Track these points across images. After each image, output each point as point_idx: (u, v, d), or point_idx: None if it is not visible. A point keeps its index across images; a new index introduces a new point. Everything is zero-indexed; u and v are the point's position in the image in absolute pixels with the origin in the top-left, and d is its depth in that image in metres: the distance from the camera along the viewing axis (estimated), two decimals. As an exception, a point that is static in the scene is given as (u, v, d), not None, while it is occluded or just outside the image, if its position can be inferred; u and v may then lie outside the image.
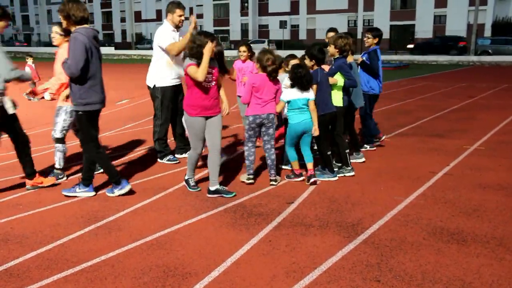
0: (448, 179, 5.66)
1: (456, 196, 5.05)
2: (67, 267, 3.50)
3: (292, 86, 5.34)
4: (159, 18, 68.76)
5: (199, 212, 4.64)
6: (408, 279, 3.28)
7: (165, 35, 6.10)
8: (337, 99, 5.76)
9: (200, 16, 61.98)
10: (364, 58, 6.83)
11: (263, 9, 60.42)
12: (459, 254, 3.67)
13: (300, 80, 5.25)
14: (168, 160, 6.45)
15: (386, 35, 49.44)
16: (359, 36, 45.07)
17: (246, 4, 60.80)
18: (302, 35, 57.34)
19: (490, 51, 34.30)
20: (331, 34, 6.68)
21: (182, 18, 6.19)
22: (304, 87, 5.29)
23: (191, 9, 58.60)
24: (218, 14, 63.26)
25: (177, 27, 6.20)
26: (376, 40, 6.81)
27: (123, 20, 72.40)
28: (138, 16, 71.66)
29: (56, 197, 5.07)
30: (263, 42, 47.83)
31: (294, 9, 57.94)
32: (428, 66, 29.74)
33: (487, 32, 44.77)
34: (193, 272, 3.42)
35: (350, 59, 6.01)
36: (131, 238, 4.01)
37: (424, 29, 48.21)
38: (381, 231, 4.13)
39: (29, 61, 14.59)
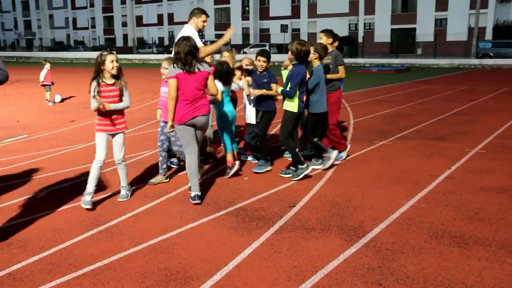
0: (449, 182, 5.67)
1: (458, 199, 5.05)
2: (70, 271, 3.51)
3: (215, 78, 5.67)
4: (160, 22, 68.95)
5: (200, 216, 4.65)
6: (410, 283, 3.29)
7: (194, 36, 6.14)
8: (291, 104, 5.80)
9: (201, 20, 61.95)
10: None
11: (264, 13, 60.53)
12: (461, 257, 3.68)
13: (220, 75, 5.81)
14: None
15: (387, 38, 49.64)
16: (360, 40, 45.15)
17: (247, 8, 60.90)
18: (303, 39, 57.33)
19: (491, 54, 34.33)
20: (321, 35, 6.76)
21: (205, 24, 6.30)
22: (224, 82, 5.84)
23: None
24: (219, 18, 63.35)
25: (199, 31, 6.28)
26: (336, 44, 6.90)
27: (124, 24, 72.62)
28: (139, 21, 71.89)
29: (58, 201, 5.09)
30: (264, 46, 47.91)
31: (295, 13, 58.01)
32: (429, 69, 29.76)
33: (488, 35, 44.75)
34: (195, 276, 3.42)
35: (317, 62, 6.03)
36: (133, 242, 4.02)
37: (425, 32, 48.19)
38: (382, 234, 4.14)
39: (47, 65, 14.42)
